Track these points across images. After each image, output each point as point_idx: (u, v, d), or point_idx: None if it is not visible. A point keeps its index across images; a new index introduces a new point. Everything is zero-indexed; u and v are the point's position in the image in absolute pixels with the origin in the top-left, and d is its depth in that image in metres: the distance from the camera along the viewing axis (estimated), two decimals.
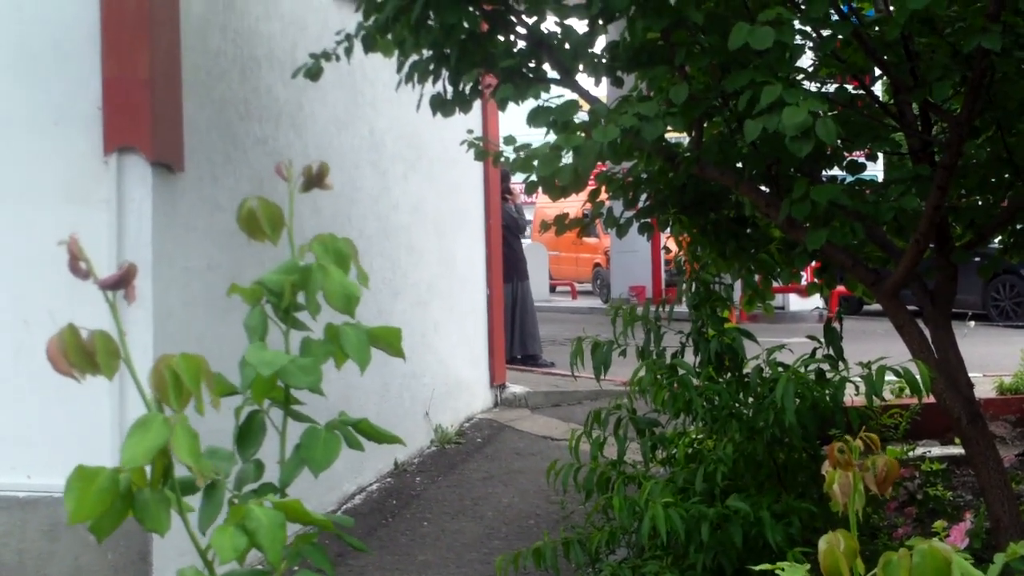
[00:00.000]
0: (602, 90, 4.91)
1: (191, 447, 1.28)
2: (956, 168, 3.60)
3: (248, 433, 1.56)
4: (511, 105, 3.87)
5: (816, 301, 15.28)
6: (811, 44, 3.79)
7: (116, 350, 1.33)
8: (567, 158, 3.46)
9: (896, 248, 3.99)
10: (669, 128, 3.47)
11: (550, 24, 4.01)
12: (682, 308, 4.51)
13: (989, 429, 4.06)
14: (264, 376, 1.41)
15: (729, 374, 4.26)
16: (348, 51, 4.38)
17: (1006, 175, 4.14)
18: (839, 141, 3.84)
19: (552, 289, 23.13)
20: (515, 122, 4.50)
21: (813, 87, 3.96)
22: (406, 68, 4.13)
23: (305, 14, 5.76)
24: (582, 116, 3.59)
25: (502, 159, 4.17)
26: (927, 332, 3.96)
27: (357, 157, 6.41)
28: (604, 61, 3.92)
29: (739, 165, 3.91)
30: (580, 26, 3.92)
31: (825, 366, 4.08)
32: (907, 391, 4.02)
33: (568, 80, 3.95)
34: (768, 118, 3.01)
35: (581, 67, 3.93)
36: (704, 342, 4.27)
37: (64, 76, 4.35)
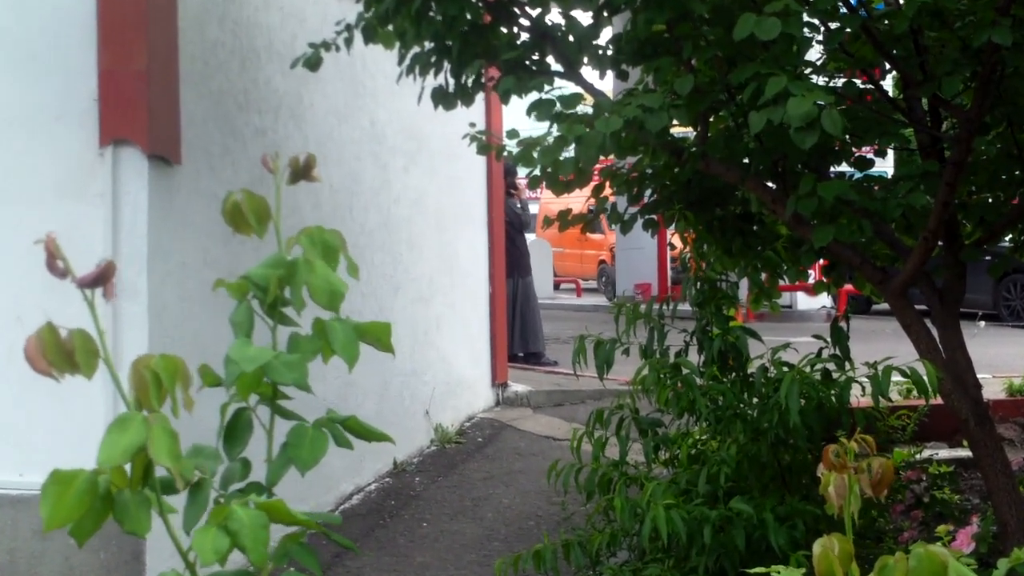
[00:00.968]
0: (607, 85, 4.91)
1: (170, 447, 1.26)
2: (966, 164, 3.59)
3: (234, 431, 1.54)
4: (515, 99, 3.87)
5: (824, 300, 15.27)
6: (819, 37, 3.78)
7: (95, 349, 1.32)
8: (570, 151, 3.46)
9: (904, 246, 3.98)
10: (674, 121, 3.47)
11: (554, 16, 4.01)
12: (687, 306, 4.50)
13: (997, 431, 4.05)
14: (247, 372, 1.40)
15: (733, 374, 4.25)
16: (348, 42, 4.37)
17: (1016, 172, 4.13)
18: (847, 137, 3.83)
19: (556, 286, 23.14)
20: (519, 116, 4.49)
21: (821, 81, 3.95)
22: (407, 60, 4.12)
23: (304, 5, 5.76)
24: (586, 109, 3.59)
25: (505, 153, 4.16)
26: (935, 332, 3.95)
27: (358, 149, 6.40)
28: (609, 54, 3.91)
29: (745, 160, 3.90)
30: (584, 18, 3.91)
31: (831, 366, 4.07)
32: (915, 392, 4.00)
33: (572, 73, 3.94)
34: (773, 110, 3.00)
35: (585, 60, 3.92)
36: (708, 341, 4.25)
37: (60, 69, 4.34)
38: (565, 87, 3.83)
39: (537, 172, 3.68)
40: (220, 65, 4.90)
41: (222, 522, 1.30)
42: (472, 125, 4.30)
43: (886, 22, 3.69)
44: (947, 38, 3.68)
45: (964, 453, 5.37)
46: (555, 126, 3.57)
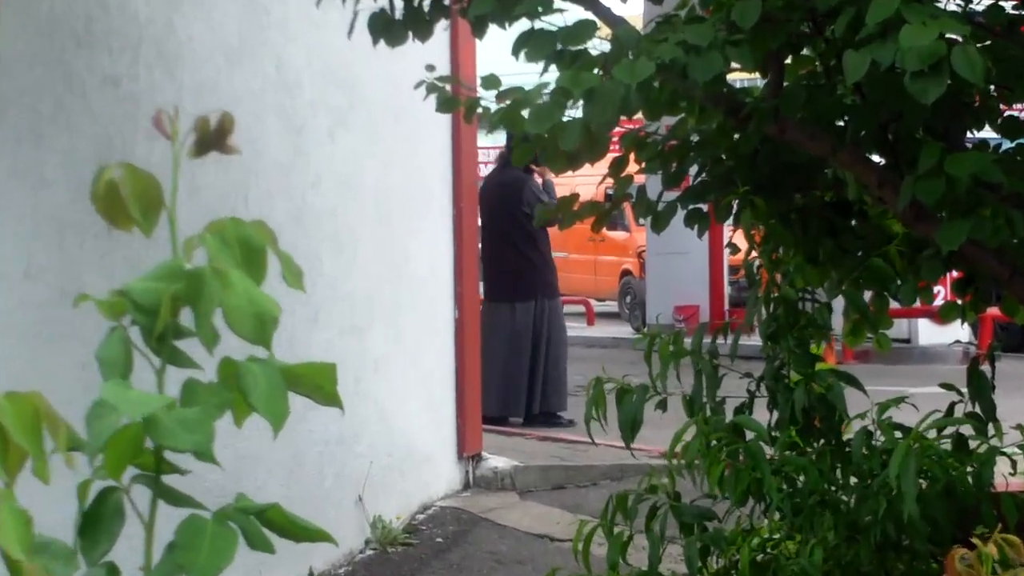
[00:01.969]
0: (634, 10, 4.93)
1: (21, 534, 1.27)
2: None
3: (97, 522, 1.54)
4: (494, 29, 3.89)
5: (957, 331, 15.31)
6: None
7: None
8: (577, 109, 3.48)
9: None
10: (733, 65, 3.49)
11: None
12: (754, 340, 4.52)
13: None
14: (131, 426, 1.40)
15: (822, 441, 4.27)
16: None
17: None
18: (991, 88, 3.86)
19: None
20: (500, 56, 4.52)
21: (952, 6, 3.99)
22: None
23: None
24: (602, 47, 3.61)
25: (479, 111, 4.18)
26: None
27: (258, 105, 6.40)
28: None
29: (839, 123, 3.93)
30: None
31: (968, 430, 4.10)
32: None
33: None
34: (880, 46, 3.03)
35: None
36: (785, 391, 4.28)
37: None
38: (570, 12, 3.85)
39: (527, 140, 3.69)
40: None
41: None
42: (431, 69, 4.32)
43: None
44: None
45: None
46: (555, 72, 3.59)
